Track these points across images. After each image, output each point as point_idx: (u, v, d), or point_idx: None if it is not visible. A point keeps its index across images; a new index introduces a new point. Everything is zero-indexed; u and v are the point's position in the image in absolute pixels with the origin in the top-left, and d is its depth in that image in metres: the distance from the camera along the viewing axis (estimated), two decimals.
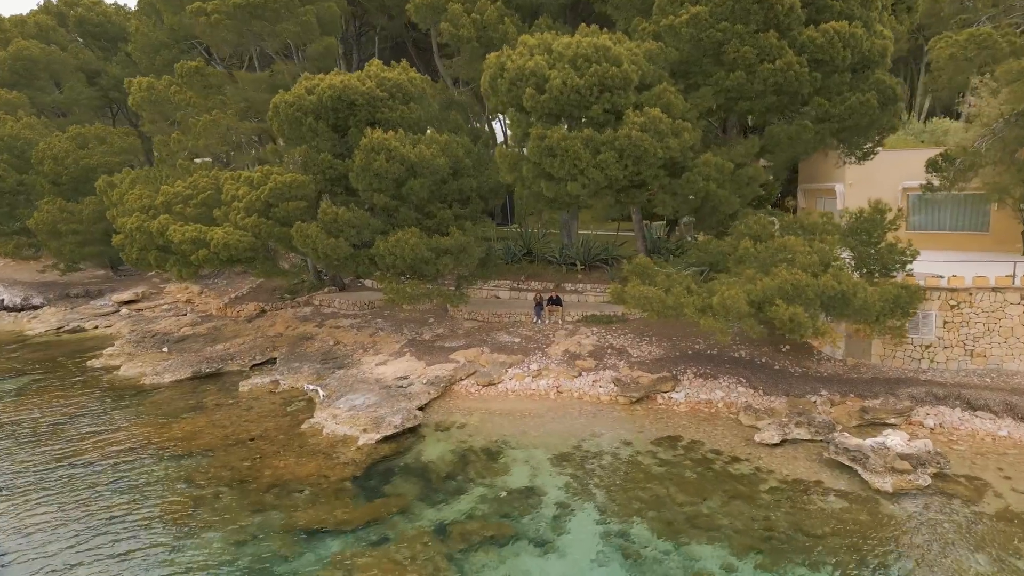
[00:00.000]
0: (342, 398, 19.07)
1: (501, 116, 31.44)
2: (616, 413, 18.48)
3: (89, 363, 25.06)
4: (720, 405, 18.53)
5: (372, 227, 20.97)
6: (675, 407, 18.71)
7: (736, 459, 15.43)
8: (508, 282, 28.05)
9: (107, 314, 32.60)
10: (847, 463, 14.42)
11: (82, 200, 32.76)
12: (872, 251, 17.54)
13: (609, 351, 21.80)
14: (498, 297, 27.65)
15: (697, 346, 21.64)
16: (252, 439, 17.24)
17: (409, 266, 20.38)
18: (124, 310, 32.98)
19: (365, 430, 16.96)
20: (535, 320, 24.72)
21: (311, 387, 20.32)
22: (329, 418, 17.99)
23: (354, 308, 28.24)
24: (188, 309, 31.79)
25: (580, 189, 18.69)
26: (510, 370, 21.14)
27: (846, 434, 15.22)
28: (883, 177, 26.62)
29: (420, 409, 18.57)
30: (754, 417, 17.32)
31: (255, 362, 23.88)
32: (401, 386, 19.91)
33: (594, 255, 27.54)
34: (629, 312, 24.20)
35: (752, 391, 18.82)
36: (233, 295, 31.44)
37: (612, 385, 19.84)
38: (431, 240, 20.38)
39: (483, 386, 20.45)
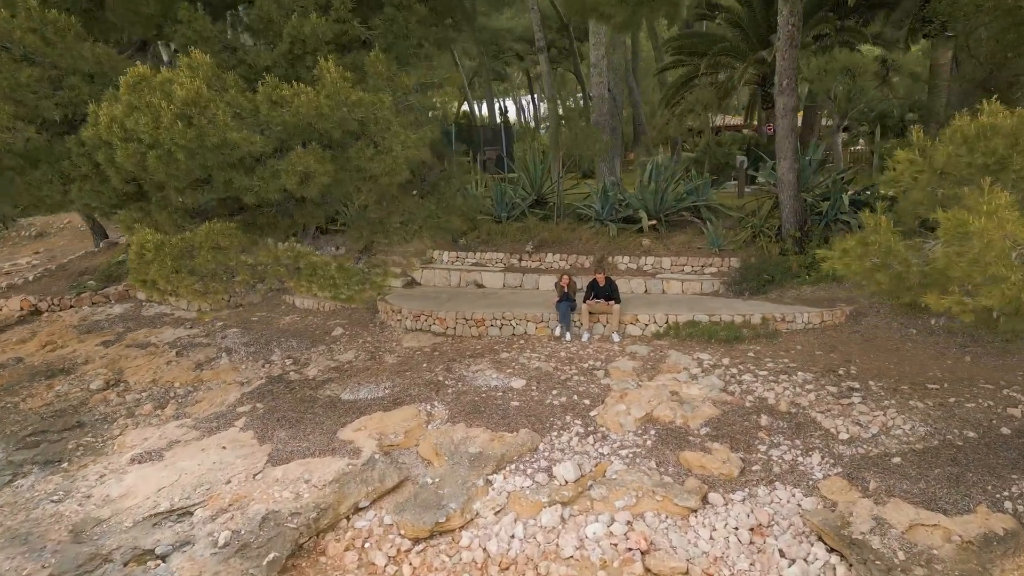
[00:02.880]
0: None
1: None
2: None
3: None
4: None
5: (73, 58, 7.19)
6: None
7: None
8: (501, 255, 14.34)
9: None
10: None
11: None
12: None
13: (764, 420, 8.08)
14: (480, 285, 13.92)
15: (1018, 411, 7.88)
16: None
17: (193, 180, 6.64)
18: None
19: None
20: (558, 334, 11.07)
21: None
22: None
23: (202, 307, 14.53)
24: None
25: None
26: (498, 480, 7.44)
27: None
28: None
29: None
30: None
31: None
32: (150, 552, 6.19)
33: (674, 203, 13.77)
34: (784, 316, 10.54)
35: None
36: (24, 279, 17.63)
37: (819, 548, 6.15)
38: (255, 97, 6.60)
39: (415, 543, 6.72)
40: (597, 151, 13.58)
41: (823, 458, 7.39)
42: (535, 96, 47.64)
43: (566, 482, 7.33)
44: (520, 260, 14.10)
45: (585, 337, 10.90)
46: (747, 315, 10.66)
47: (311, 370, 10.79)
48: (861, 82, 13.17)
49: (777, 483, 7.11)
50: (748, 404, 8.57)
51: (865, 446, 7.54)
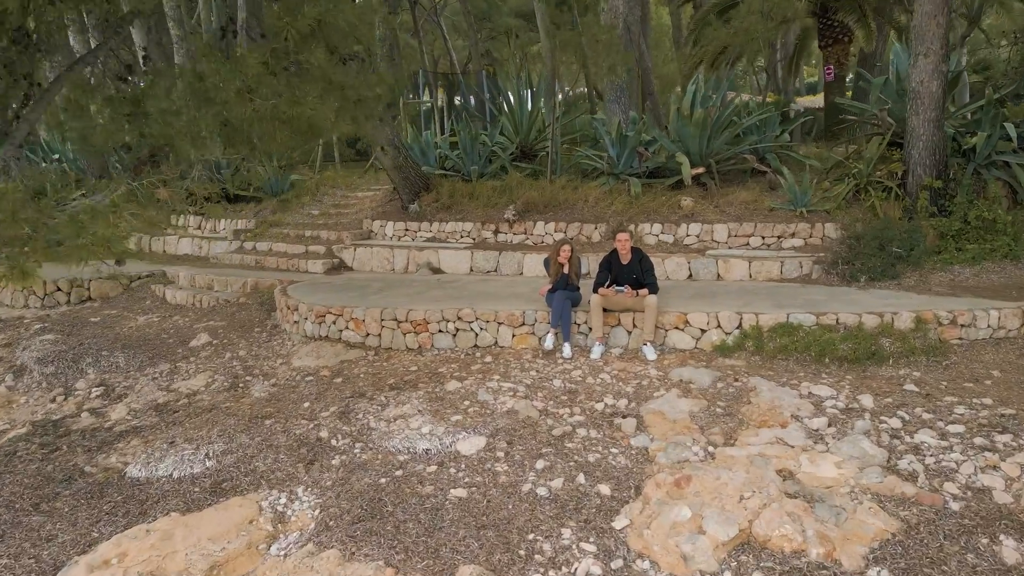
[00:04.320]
0: None
1: None
2: None
3: None
4: None
5: None
6: None
7: None
8: (470, 227, 9.73)
9: None
10: None
11: None
12: None
13: (1009, 548, 3.51)
14: (437, 269, 9.32)
15: None
16: None
17: None
18: None
19: None
20: (549, 346, 6.43)
21: None
22: None
23: (30, 293, 9.98)
24: None
25: None
26: None
27: None
28: None
29: None
30: None
31: None
32: None
33: (727, 146, 9.15)
34: (955, 316, 5.79)
35: None
36: None
37: None
38: None
39: None
40: (612, 65, 8.93)
41: None
42: (532, 91, 43.28)
43: None
44: (496, 233, 9.50)
45: (597, 352, 6.30)
46: (882, 314, 6.04)
47: (119, 409, 6.19)
48: None
49: None
50: (954, 505, 3.95)
51: None
